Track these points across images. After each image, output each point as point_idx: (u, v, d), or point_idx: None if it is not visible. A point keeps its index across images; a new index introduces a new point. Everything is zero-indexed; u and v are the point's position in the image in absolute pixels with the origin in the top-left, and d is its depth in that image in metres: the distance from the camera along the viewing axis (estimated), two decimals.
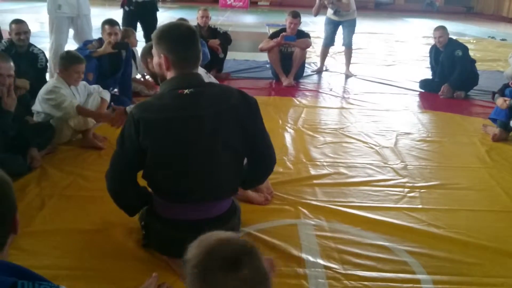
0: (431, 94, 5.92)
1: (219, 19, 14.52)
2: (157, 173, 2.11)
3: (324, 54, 7.08)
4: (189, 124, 2.04)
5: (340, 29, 6.83)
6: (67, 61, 3.63)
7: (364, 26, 12.42)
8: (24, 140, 3.24)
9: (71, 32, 5.48)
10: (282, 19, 15.60)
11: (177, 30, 2.10)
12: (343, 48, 7.02)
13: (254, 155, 2.25)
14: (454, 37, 6.73)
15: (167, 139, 2.05)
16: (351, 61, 7.05)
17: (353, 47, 7.09)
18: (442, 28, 5.89)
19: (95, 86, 3.95)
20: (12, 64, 3.07)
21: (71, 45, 5.39)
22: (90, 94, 3.83)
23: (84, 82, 3.92)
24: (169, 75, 2.13)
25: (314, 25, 12.12)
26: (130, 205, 2.30)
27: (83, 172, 3.27)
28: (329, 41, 6.97)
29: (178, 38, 2.07)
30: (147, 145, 2.05)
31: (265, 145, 2.28)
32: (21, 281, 1.17)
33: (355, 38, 7.08)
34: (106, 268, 2.23)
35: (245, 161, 2.30)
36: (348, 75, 6.88)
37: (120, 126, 3.62)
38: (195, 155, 2.07)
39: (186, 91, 2.05)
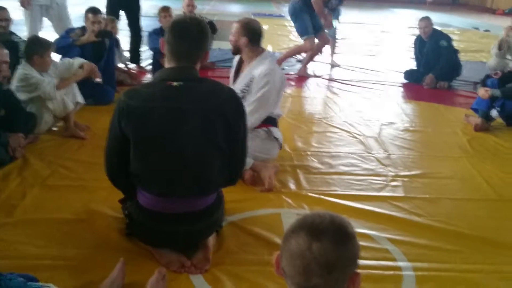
0: (415, 85, 5.95)
1: (205, 8, 14.40)
2: (140, 164, 2.09)
3: None
4: (170, 115, 2.03)
5: None
6: (42, 47, 3.59)
7: (351, 16, 12.42)
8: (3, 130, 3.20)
9: (47, 22, 5.42)
10: (269, 9, 15.57)
11: (182, 23, 2.13)
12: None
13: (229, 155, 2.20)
14: (439, 28, 6.78)
15: (148, 128, 2.04)
16: (335, 51, 7.06)
17: (339, 37, 7.09)
18: (427, 19, 5.93)
19: (64, 59, 3.95)
20: (6, 51, 3.07)
21: (54, 35, 5.31)
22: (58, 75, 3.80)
23: (54, 61, 3.89)
24: (166, 65, 2.15)
25: None
26: (126, 189, 2.29)
27: (65, 162, 3.24)
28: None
29: (178, 30, 2.09)
30: (129, 133, 2.04)
31: (242, 148, 2.25)
32: None
33: (342, 28, 7.08)
34: (88, 258, 2.22)
35: None
36: (333, 65, 6.89)
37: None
38: (178, 149, 2.06)
39: (175, 83, 2.04)
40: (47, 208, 2.66)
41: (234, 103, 2.14)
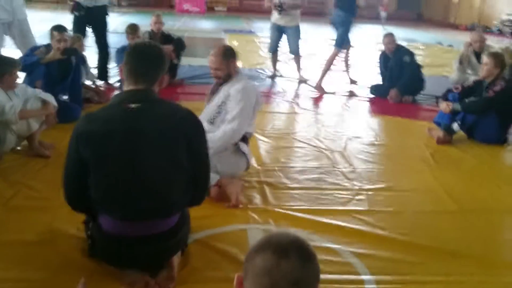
0: (381, 99, 6.09)
1: (176, 24, 14.41)
2: (100, 188, 2.07)
3: (273, 60, 7.17)
4: (130, 138, 2.04)
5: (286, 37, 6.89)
6: (8, 66, 3.54)
7: (319, 32, 12.64)
8: None
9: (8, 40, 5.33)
10: (239, 25, 15.70)
11: (140, 46, 2.28)
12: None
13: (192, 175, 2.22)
14: (405, 43, 6.96)
15: (107, 152, 2.03)
16: (301, 66, 7.13)
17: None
18: (390, 35, 6.11)
19: (37, 90, 3.86)
20: None
21: (16, 52, 5.24)
22: (28, 99, 3.70)
23: (23, 85, 3.82)
24: (125, 88, 2.18)
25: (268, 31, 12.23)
26: (87, 212, 2.27)
27: (29, 181, 3.19)
28: (273, 48, 7.03)
29: (136, 53, 2.18)
30: (88, 157, 2.04)
31: (205, 167, 2.27)
32: None
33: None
34: (51, 280, 2.19)
35: None
36: (301, 80, 6.99)
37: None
38: (140, 171, 2.05)
39: (132, 105, 2.06)
40: (10, 230, 2.61)
41: (192, 122, 2.18)
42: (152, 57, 2.17)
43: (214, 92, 3.35)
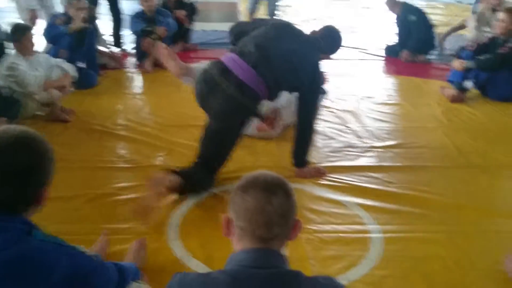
0: (395, 59, 6.02)
1: None
2: (251, 36, 2.73)
3: None
4: (283, 27, 2.84)
5: None
6: (18, 33, 3.65)
7: None
8: None
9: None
10: None
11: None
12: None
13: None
14: (424, 3, 6.73)
15: (266, 22, 2.90)
16: None
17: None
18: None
19: (58, 60, 3.96)
20: None
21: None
22: (52, 67, 3.83)
23: (46, 55, 3.92)
24: None
25: None
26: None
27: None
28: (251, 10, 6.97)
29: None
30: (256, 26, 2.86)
31: (310, 97, 2.87)
32: (36, 230, 1.31)
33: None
34: (70, 232, 2.31)
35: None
36: None
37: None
38: (273, 48, 2.64)
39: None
40: None
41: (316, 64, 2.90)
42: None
43: None
